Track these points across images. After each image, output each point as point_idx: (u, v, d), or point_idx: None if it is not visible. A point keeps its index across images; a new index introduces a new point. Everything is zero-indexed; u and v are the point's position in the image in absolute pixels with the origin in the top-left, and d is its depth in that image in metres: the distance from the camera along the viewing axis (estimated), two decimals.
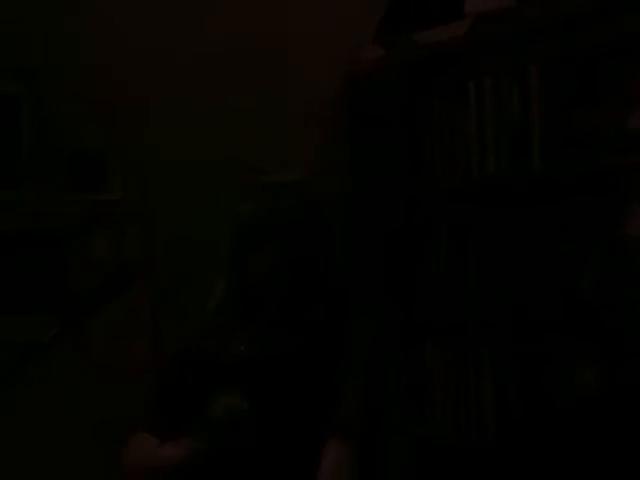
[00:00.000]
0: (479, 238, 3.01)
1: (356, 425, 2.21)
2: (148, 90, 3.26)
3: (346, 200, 3.50)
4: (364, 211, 3.45)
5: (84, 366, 2.98)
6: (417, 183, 3.24)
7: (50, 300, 3.12)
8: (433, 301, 3.17)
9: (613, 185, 2.65)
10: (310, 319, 2.29)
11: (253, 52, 3.37)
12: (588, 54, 2.73)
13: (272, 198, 2.27)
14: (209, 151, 3.06)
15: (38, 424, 2.85)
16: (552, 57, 2.83)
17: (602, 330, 2.57)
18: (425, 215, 3.22)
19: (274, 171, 2.38)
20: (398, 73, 3.26)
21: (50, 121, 3.20)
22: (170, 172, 3.23)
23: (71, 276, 3.18)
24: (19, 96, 3.16)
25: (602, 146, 2.61)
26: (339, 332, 2.28)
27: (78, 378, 2.98)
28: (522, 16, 2.86)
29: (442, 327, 3.17)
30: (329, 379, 2.23)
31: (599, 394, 2.44)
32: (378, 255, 3.34)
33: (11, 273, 3.14)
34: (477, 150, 3.01)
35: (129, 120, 3.25)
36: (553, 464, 1.05)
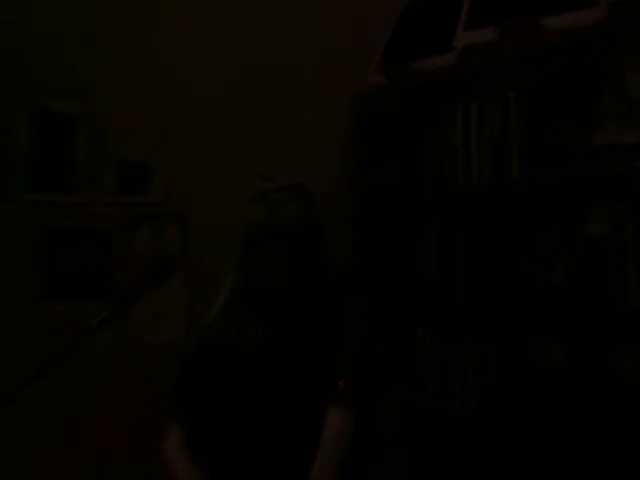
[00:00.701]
0: (465, 238, 2.99)
1: (354, 394, 2.22)
2: (185, 112, 3.26)
3: (352, 203, 3.48)
4: (367, 213, 3.45)
5: (127, 343, 2.98)
6: (412, 190, 3.23)
7: (99, 288, 3.12)
8: (424, 291, 3.15)
9: (579, 192, 2.63)
10: (309, 309, 2.29)
11: (277, 79, 3.39)
12: (559, 81, 2.72)
13: (275, 205, 2.25)
14: (236, 162, 3.04)
15: (87, 392, 2.84)
16: (528, 83, 2.82)
17: (570, 314, 2.56)
18: (419, 218, 3.21)
19: (278, 176, 2.36)
20: (397, 95, 3.27)
21: (103, 136, 3.20)
22: (202, 180, 3.23)
23: (117, 268, 3.18)
24: (77, 114, 3.16)
25: (570, 160, 2.60)
26: (335, 319, 2.28)
27: (123, 354, 2.98)
28: (502, 49, 2.86)
29: (431, 314, 3.16)
30: (328, 359, 2.23)
31: (567, 367, 2.44)
32: (378, 252, 3.34)
33: (67, 264, 3.13)
34: (463, 162, 3.00)
35: (169, 136, 3.24)
36: (525, 428, 1.02)
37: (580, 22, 2.56)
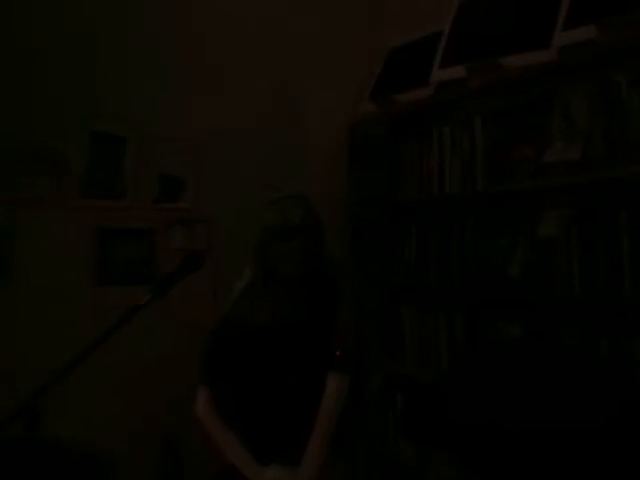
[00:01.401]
0: (438, 236, 3.03)
1: (349, 362, 2.26)
2: (211, 138, 3.30)
3: (350, 208, 3.51)
4: (360, 216, 3.46)
5: (166, 321, 3.01)
6: (396, 197, 3.26)
7: (144, 276, 3.17)
8: (406, 278, 3.18)
9: (532, 201, 2.67)
10: (312, 292, 2.34)
11: (288, 109, 3.41)
12: (516, 110, 2.75)
13: (285, 210, 2.30)
14: (252, 176, 3.08)
15: (134, 358, 2.87)
16: (490, 112, 2.85)
17: (524, 299, 2.58)
18: (402, 220, 3.24)
19: (286, 187, 2.41)
20: (385, 121, 3.28)
21: (146, 154, 3.23)
22: (224, 190, 3.27)
23: (158, 259, 3.23)
24: (125, 137, 3.18)
25: (525, 174, 2.63)
26: (333, 300, 2.33)
27: (163, 330, 3.01)
28: (469, 83, 2.89)
29: (412, 296, 3.19)
30: (328, 333, 2.29)
31: (521, 342, 2.46)
32: (370, 246, 3.35)
33: (118, 257, 3.18)
34: (438, 176, 3.04)
35: (198, 156, 3.27)
36: (487, 390, 1.05)
37: (533, 61, 2.60)
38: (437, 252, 3.02)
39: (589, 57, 2.40)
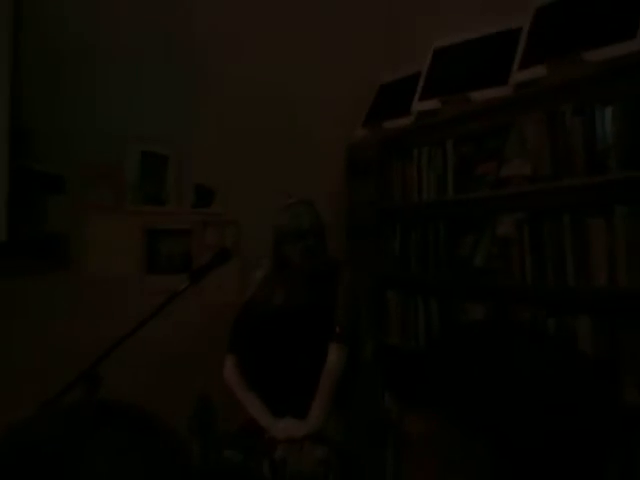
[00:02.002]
0: (417, 234, 2.99)
1: (346, 335, 2.25)
2: (237, 155, 3.26)
3: (346, 212, 3.47)
4: (354, 218, 3.44)
5: (201, 303, 2.99)
6: (384, 203, 3.23)
7: (183, 267, 3.14)
8: (392, 268, 3.14)
9: (492, 206, 2.63)
10: (317, 280, 2.32)
11: (298, 134, 3.37)
12: (479, 133, 2.71)
13: (295, 214, 2.29)
14: (269, 186, 3.03)
15: (176, 333, 2.84)
16: (459, 136, 2.81)
17: (486, 284, 2.55)
18: (388, 221, 3.21)
19: (296, 195, 2.38)
20: (375, 143, 3.26)
21: (185, 168, 3.21)
22: (247, 197, 3.22)
23: (194, 254, 3.20)
24: (168, 155, 3.17)
25: (486, 185, 2.59)
26: (333, 286, 2.32)
27: (198, 310, 2.99)
28: (443, 113, 2.86)
29: (396, 283, 3.15)
30: (329, 312, 2.28)
31: (486, 320, 2.43)
32: (362, 242, 3.33)
33: (162, 251, 3.15)
34: (417, 186, 3.00)
35: (226, 170, 3.23)
36: (458, 356, 1.02)
37: (494, 95, 2.56)
38: (416, 247, 2.98)
39: (539, 91, 2.37)
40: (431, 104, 2.88)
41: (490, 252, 2.56)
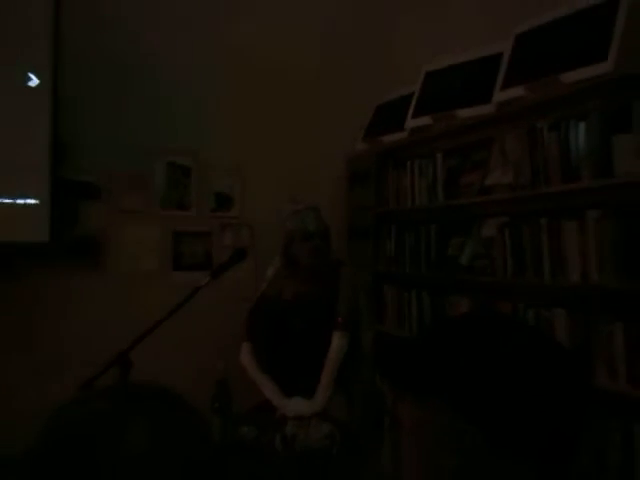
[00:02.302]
0: (411, 236, 2.97)
1: (348, 324, 2.26)
2: (252, 166, 3.27)
3: (346, 216, 3.47)
4: (354, 222, 3.42)
5: (220, 296, 2.98)
6: (381, 208, 3.21)
7: (204, 264, 3.14)
8: (388, 266, 3.12)
9: (477, 211, 2.61)
10: (322, 276, 2.32)
11: (305, 149, 3.35)
12: (466, 147, 2.70)
13: (302, 217, 2.29)
14: (279, 193, 3.02)
15: (197, 323, 2.84)
16: (448, 149, 2.79)
17: (472, 280, 2.54)
18: (384, 224, 3.19)
19: (303, 201, 2.38)
20: (373, 156, 3.24)
21: (205, 178, 3.22)
22: (261, 203, 3.24)
23: (214, 253, 3.21)
24: (191, 166, 3.18)
25: (472, 192, 2.58)
26: (336, 281, 2.32)
27: (218, 303, 2.97)
28: (433, 128, 2.84)
29: (392, 279, 3.14)
30: (333, 304, 2.28)
31: (470, 312, 2.41)
32: (362, 243, 3.32)
33: (186, 251, 3.16)
34: (410, 193, 2.98)
35: (241, 179, 3.24)
36: (444, 348, 0.99)
37: (479, 113, 2.55)
38: (410, 248, 2.96)
39: (519, 109, 2.35)
40: (423, 121, 2.86)
41: (475, 252, 2.54)
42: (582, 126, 2.02)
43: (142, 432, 0.53)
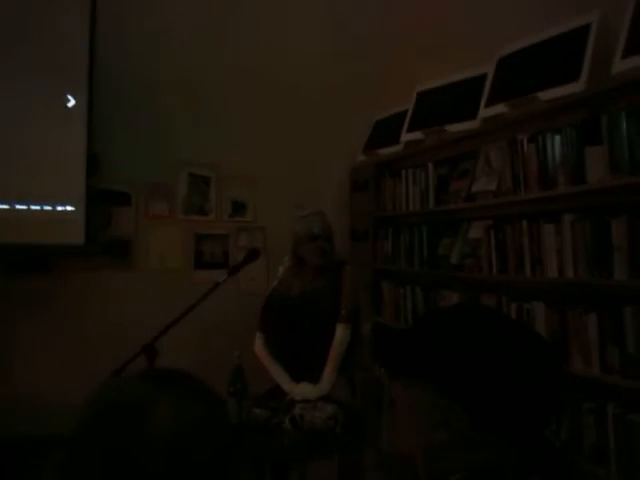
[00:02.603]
0: (405, 237, 2.95)
1: (350, 317, 2.22)
2: (264, 176, 3.25)
3: (348, 220, 3.44)
4: (356, 224, 3.39)
5: (236, 292, 2.98)
6: (379, 213, 3.18)
7: (222, 263, 3.13)
8: (385, 264, 3.10)
9: (464, 215, 2.58)
10: (327, 273, 2.28)
11: (313, 161, 3.33)
12: (454, 158, 2.67)
13: (309, 221, 2.26)
14: (288, 200, 3.00)
15: (215, 315, 2.82)
16: (438, 160, 2.76)
17: (460, 277, 2.51)
18: (382, 227, 3.17)
19: (310, 206, 2.36)
20: (372, 166, 3.22)
21: (223, 187, 3.20)
22: (273, 209, 3.22)
23: (230, 253, 3.20)
24: (210, 176, 3.17)
25: (460, 198, 2.55)
26: (340, 278, 2.28)
27: (234, 297, 2.97)
28: (425, 142, 2.83)
29: (389, 276, 3.11)
30: (337, 299, 2.24)
31: (459, 304, 2.38)
32: (362, 244, 3.30)
33: (207, 251, 3.16)
34: (405, 199, 2.96)
35: (256, 187, 3.23)
36: (437, 330, 0.97)
37: (466, 128, 2.53)
38: (405, 248, 2.94)
39: (501, 124, 2.33)
40: (416, 135, 2.85)
41: (463, 251, 2.51)
42: (558, 139, 1.99)
43: (167, 411, 0.53)
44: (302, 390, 2.07)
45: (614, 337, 1.74)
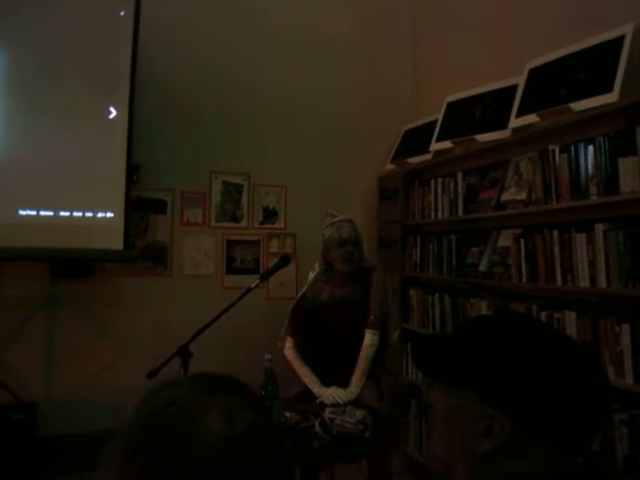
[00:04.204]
0: (434, 245, 2.93)
1: (378, 323, 2.22)
2: (295, 185, 3.28)
3: (377, 227, 3.43)
4: (384, 232, 3.38)
5: (266, 297, 3.00)
6: (407, 221, 3.17)
7: (253, 269, 3.17)
8: (413, 271, 3.09)
9: (495, 224, 2.56)
10: (356, 279, 2.29)
11: (342, 170, 3.35)
12: (484, 167, 2.66)
13: (339, 227, 2.27)
14: (318, 208, 3.01)
15: (246, 319, 2.85)
16: (468, 169, 2.75)
17: (489, 285, 2.49)
18: (411, 235, 3.16)
19: (340, 213, 2.37)
20: (400, 175, 3.21)
21: (255, 195, 3.23)
22: (303, 217, 3.23)
23: (262, 259, 3.23)
24: (242, 184, 3.21)
25: (489, 207, 2.53)
26: (369, 284, 2.28)
27: (264, 302, 2.99)
28: (454, 151, 2.81)
29: (417, 283, 3.09)
30: (365, 305, 2.24)
31: (489, 313, 2.36)
32: (390, 251, 3.27)
33: (239, 257, 3.19)
34: (434, 208, 2.95)
35: (286, 195, 3.25)
36: (472, 339, 0.96)
37: (496, 137, 2.52)
38: (433, 256, 2.93)
39: (532, 134, 2.31)
40: (445, 145, 2.84)
41: (492, 260, 2.49)
42: (590, 149, 1.97)
43: (217, 423, 0.52)
44: (331, 394, 2.08)
45: None
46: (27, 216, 2.55)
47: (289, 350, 2.30)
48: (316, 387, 2.15)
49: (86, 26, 2.64)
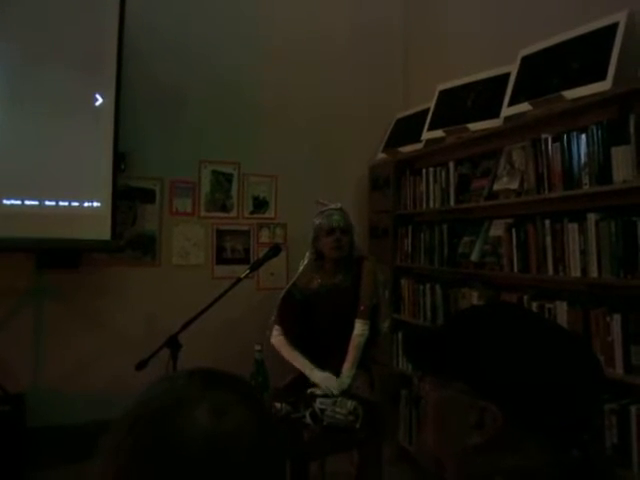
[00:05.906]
0: (425, 235, 2.91)
1: (369, 312, 2.23)
2: (285, 173, 3.24)
3: (368, 217, 3.41)
4: (375, 222, 3.36)
5: (256, 287, 2.98)
6: (398, 210, 3.15)
7: (243, 259, 3.13)
8: (405, 261, 3.07)
9: (485, 213, 2.55)
10: (346, 268, 2.29)
11: (334, 159, 3.32)
12: (476, 156, 2.64)
13: (329, 215, 2.28)
14: (309, 197, 2.98)
15: (236, 308, 2.83)
16: (459, 158, 2.73)
17: (481, 275, 2.48)
18: (402, 224, 3.13)
19: (331, 202, 2.35)
20: (392, 164, 3.18)
21: (245, 184, 3.20)
22: (293, 206, 3.21)
23: (252, 249, 3.20)
24: (232, 173, 3.17)
25: (481, 197, 2.51)
26: (359, 273, 2.27)
27: (254, 292, 2.97)
28: (446, 140, 2.79)
29: (408, 273, 3.08)
30: (355, 294, 2.24)
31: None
32: (381, 241, 3.26)
33: (228, 247, 3.16)
34: (425, 197, 2.92)
35: (277, 185, 3.22)
36: (463, 330, 0.95)
37: (488, 126, 2.49)
38: (424, 245, 2.91)
39: (525, 123, 2.28)
40: (437, 134, 2.82)
41: (484, 249, 2.48)
42: (583, 138, 1.95)
43: (204, 418, 0.50)
44: (324, 377, 2.08)
45: (638, 337, 1.70)
46: (12, 206, 2.50)
47: (276, 338, 2.28)
48: (308, 369, 2.13)
49: (71, 11, 2.58)
